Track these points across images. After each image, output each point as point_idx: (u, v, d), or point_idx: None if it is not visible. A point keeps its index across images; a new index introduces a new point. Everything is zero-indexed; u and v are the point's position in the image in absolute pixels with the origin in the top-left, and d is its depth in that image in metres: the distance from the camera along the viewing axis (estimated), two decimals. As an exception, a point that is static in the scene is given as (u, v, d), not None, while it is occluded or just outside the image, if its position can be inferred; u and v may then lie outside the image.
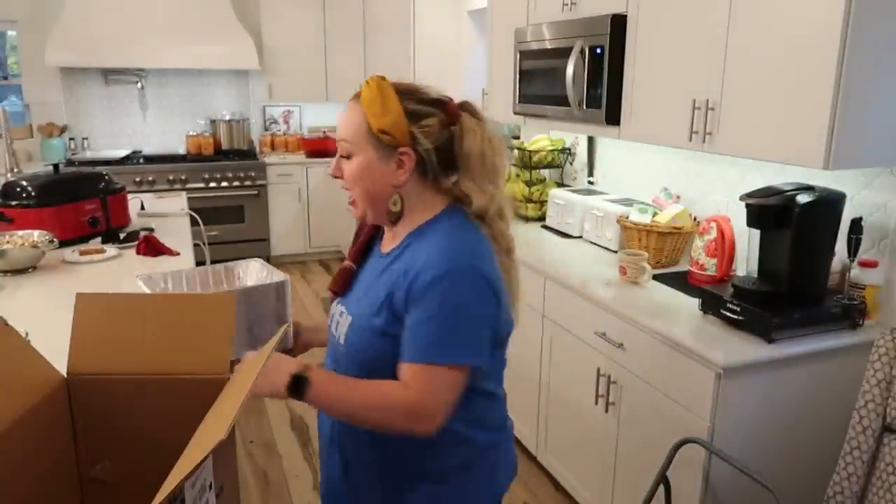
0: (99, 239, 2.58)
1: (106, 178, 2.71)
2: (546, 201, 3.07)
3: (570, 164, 3.33)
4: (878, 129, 1.66)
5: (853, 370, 1.77)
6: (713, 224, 2.11)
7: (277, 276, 1.45)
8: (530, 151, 3.20)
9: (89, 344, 1.02)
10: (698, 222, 2.36)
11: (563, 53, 2.54)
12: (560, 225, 2.91)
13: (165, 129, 5.57)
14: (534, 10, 2.90)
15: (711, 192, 2.44)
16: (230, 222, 5.24)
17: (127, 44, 4.92)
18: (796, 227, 1.72)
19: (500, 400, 1.27)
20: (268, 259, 5.41)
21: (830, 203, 1.76)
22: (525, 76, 2.88)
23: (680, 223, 2.37)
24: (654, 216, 2.41)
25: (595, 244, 2.71)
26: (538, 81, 2.78)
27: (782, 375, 1.73)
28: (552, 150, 3.24)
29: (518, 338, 2.60)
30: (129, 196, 2.91)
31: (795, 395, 1.77)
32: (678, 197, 2.52)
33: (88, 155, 5.15)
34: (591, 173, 3.18)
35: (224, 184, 5.18)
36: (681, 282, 2.19)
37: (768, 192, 1.79)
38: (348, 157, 1.15)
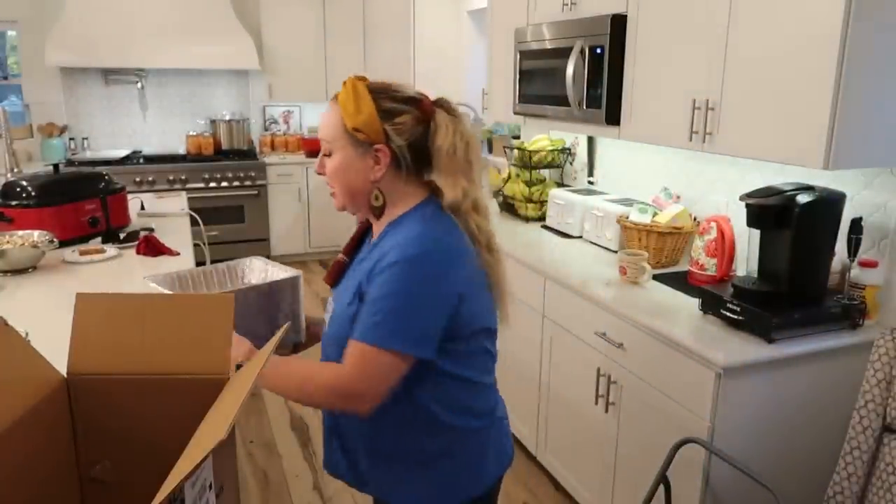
0: (99, 239, 2.58)
1: (106, 178, 2.71)
2: (546, 201, 3.07)
3: (570, 164, 3.33)
4: (878, 129, 1.66)
5: (853, 370, 1.77)
6: (713, 224, 2.11)
7: (285, 272, 1.48)
8: (530, 151, 3.20)
9: (89, 344, 1.02)
10: (698, 222, 2.36)
11: (563, 53, 2.54)
12: (560, 225, 2.91)
13: (165, 129, 5.57)
14: (534, 10, 2.90)
15: (711, 192, 2.44)
16: (230, 222, 5.24)
17: (127, 44, 4.92)
18: (796, 227, 1.72)
19: (487, 389, 1.30)
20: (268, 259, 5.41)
21: (830, 203, 1.76)
22: (525, 76, 2.88)
23: (680, 223, 2.37)
24: (654, 216, 2.41)
25: (595, 244, 2.71)
26: (538, 81, 2.78)
27: (782, 375, 1.73)
28: (552, 150, 3.24)
29: (518, 338, 2.62)
30: (129, 196, 2.91)
31: (795, 395, 1.77)
32: (678, 197, 2.52)
33: (88, 155, 5.15)
34: (591, 173, 3.18)
35: (224, 184, 5.18)
36: (681, 282, 2.19)
37: (768, 192, 1.79)
38: (329, 155, 1.22)
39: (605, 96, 2.38)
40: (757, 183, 2.13)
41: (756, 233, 1.85)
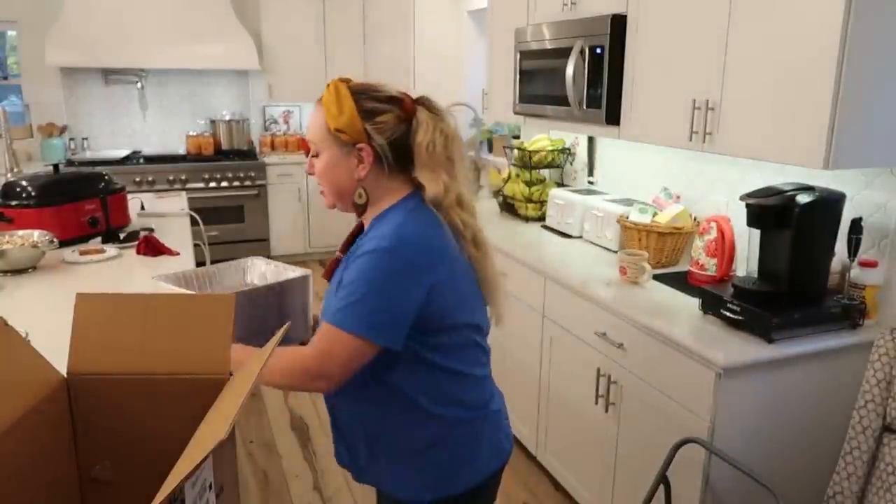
0: (99, 239, 2.58)
1: (106, 178, 2.71)
2: (546, 201, 3.07)
3: (570, 164, 3.33)
4: (878, 129, 1.66)
5: (853, 370, 1.77)
6: (713, 224, 2.11)
7: (293, 271, 1.53)
8: (530, 151, 3.20)
9: (89, 344, 1.02)
10: (698, 222, 2.36)
11: (563, 53, 2.54)
12: (560, 225, 2.91)
13: (165, 129, 5.57)
14: (534, 10, 2.90)
15: (711, 192, 2.44)
16: (230, 222, 5.24)
17: (127, 44, 4.92)
18: (796, 227, 1.72)
19: (480, 381, 1.32)
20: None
21: (830, 203, 1.76)
22: (525, 76, 2.88)
23: (680, 223, 2.37)
24: (654, 216, 2.41)
25: (595, 244, 2.71)
26: (538, 81, 2.78)
27: (782, 375, 1.73)
28: (552, 150, 3.24)
29: (518, 338, 2.62)
30: (129, 196, 2.91)
31: (795, 395, 1.77)
32: (678, 197, 2.52)
33: (88, 155, 5.15)
34: (591, 173, 3.18)
35: (224, 184, 5.18)
36: (681, 282, 2.19)
37: (768, 192, 1.79)
38: (317, 156, 1.26)
39: (604, 96, 2.38)
40: (757, 183, 2.13)
41: (756, 233, 1.85)
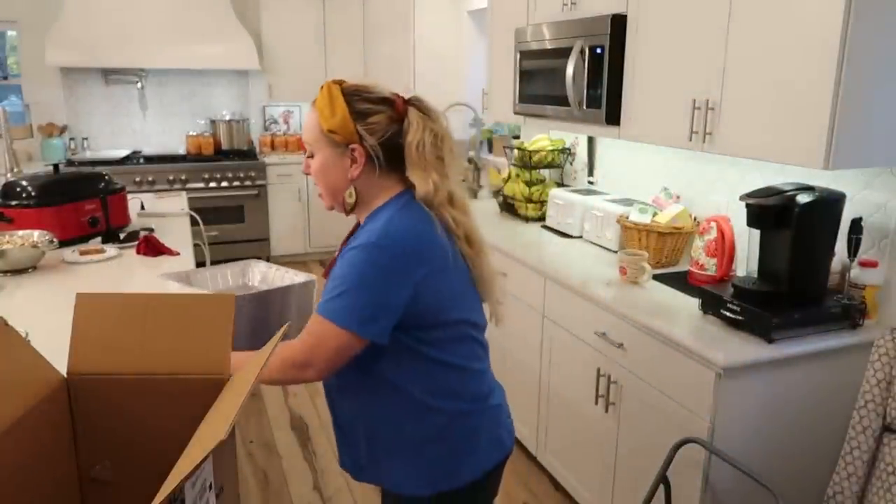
0: (99, 239, 2.58)
1: (106, 178, 2.71)
2: (546, 201, 3.07)
3: (570, 164, 3.33)
4: (878, 129, 1.66)
5: (853, 370, 1.77)
6: (713, 224, 2.11)
7: (297, 276, 1.55)
8: (530, 151, 3.20)
9: (89, 344, 1.02)
10: (698, 222, 2.36)
11: (563, 53, 2.54)
12: (560, 225, 2.91)
13: (165, 129, 5.57)
14: (534, 10, 2.90)
15: (711, 192, 2.44)
16: (230, 222, 5.24)
17: (127, 44, 4.92)
18: (796, 227, 1.72)
19: (478, 374, 1.33)
20: (268, 259, 5.42)
21: (830, 203, 1.76)
22: (525, 76, 2.88)
23: (680, 223, 2.37)
24: (654, 216, 2.41)
25: (595, 244, 2.71)
26: (538, 81, 2.78)
27: (782, 375, 1.73)
28: (552, 150, 3.24)
29: (518, 338, 2.62)
30: (129, 196, 2.91)
31: (795, 395, 1.77)
32: (678, 197, 2.52)
33: (88, 155, 5.15)
34: (591, 173, 3.18)
35: (224, 184, 5.18)
36: (681, 282, 2.19)
37: (768, 192, 1.79)
38: (312, 157, 1.29)
39: (604, 96, 2.38)
40: (757, 183, 2.13)
41: (756, 233, 1.85)
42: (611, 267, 2.38)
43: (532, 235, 2.91)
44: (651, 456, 1.93)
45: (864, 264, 1.85)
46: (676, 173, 2.61)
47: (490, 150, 4.74)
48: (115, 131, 5.44)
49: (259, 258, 1.69)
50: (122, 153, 5.18)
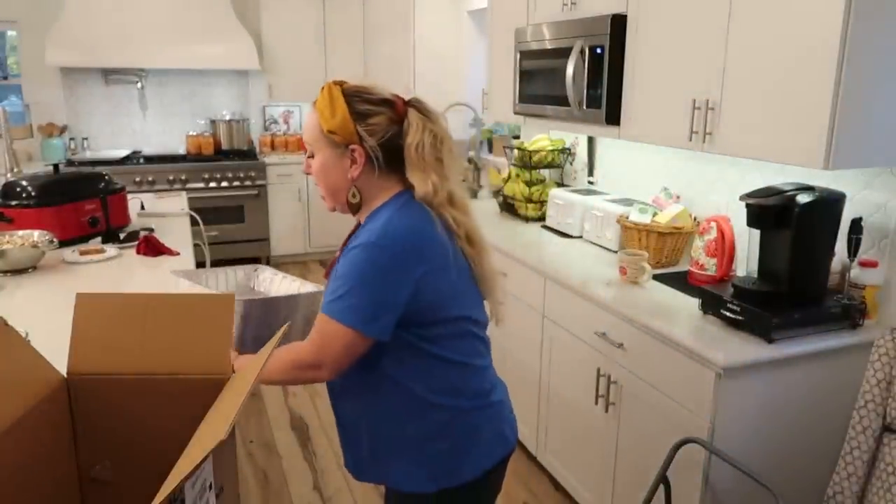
0: (99, 239, 2.58)
1: (106, 178, 2.71)
2: (546, 201, 3.07)
3: (570, 164, 3.33)
4: (878, 129, 1.66)
5: (853, 370, 1.77)
6: (713, 224, 2.11)
7: (304, 285, 1.57)
8: (530, 151, 3.20)
9: (89, 344, 1.02)
10: (698, 222, 2.36)
11: (563, 53, 2.54)
12: (560, 225, 2.91)
13: (165, 129, 5.57)
14: (534, 10, 2.90)
15: (711, 192, 2.44)
16: (230, 222, 5.24)
17: (127, 44, 4.92)
18: (796, 227, 1.72)
19: (480, 371, 1.34)
20: (268, 260, 5.42)
21: (830, 203, 1.76)
22: (525, 76, 2.88)
23: (680, 223, 2.37)
24: (654, 216, 2.41)
25: (595, 244, 2.71)
26: (538, 81, 2.78)
27: (782, 375, 1.73)
28: (552, 150, 3.24)
29: (518, 338, 2.62)
30: (129, 196, 2.91)
31: (795, 395, 1.77)
32: (678, 197, 2.52)
33: (88, 155, 5.14)
34: (591, 173, 3.18)
35: (224, 184, 5.18)
36: (681, 282, 2.19)
37: (768, 192, 1.79)
38: (312, 157, 1.30)
39: (604, 96, 2.38)
40: (757, 183, 2.13)
41: (756, 233, 1.85)
42: (611, 267, 2.38)
43: (532, 235, 2.91)
44: (651, 456, 1.93)
45: (864, 264, 1.85)
46: (676, 173, 2.61)
47: (490, 150, 4.74)
48: (115, 131, 5.44)
49: (259, 259, 1.70)
50: (122, 153, 5.17)
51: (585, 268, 2.40)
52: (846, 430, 1.66)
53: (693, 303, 1.96)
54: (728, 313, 1.80)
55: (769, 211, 1.76)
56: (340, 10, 5.54)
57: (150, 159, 5.11)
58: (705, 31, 1.97)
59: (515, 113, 3.02)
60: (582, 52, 2.44)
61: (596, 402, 2.17)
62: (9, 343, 0.93)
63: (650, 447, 1.94)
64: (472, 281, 1.30)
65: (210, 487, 0.87)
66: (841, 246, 1.84)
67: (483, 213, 3.23)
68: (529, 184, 3.18)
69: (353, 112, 1.23)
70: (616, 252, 2.54)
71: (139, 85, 5.40)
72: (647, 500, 1.76)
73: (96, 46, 4.85)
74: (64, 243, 2.41)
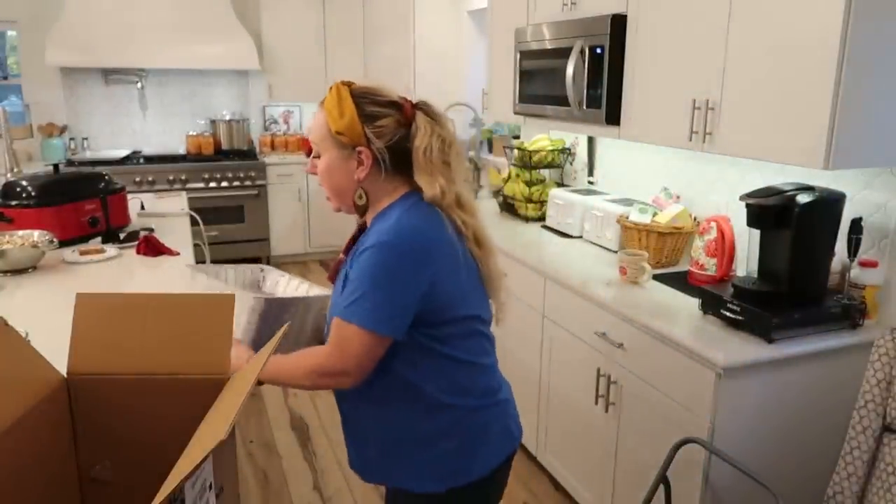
0: (99, 239, 2.58)
1: (106, 178, 2.71)
2: (546, 201, 3.07)
3: (570, 164, 3.33)
4: (878, 129, 1.66)
5: (853, 370, 1.77)
6: (713, 224, 2.11)
7: (314, 288, 1.57)
8: (530, 151, 3.20)
9: (89, 344, 1.02)
10: (698, 222, 2.36)
11: (563, 53, 2.54)
12: (560, 225, 2.91)
13: (165, 129, 5.57)
14: (534, 10, 2.90)
15: (711, 192, 2.44)
16: (230, 222, 5.24)
17: (127, 44, 4.92)
18: (796, 227, 1.72)
19: (487, 370, 1.34)
20: (268, 259, 5.42)
21: (830, 203, 1.76)
22: (525, 76, 2.88)
23: (680, 223, 2.37)
24: (654, 216, 2.41)
25: (595, 244, 2.71)
26: (538, 81, 2.78)
27: (782, 375, 1.73)
28: (552, 150, 3.24)
29: (518, 338, 2.62)
30: (129, 196, 2.91)
31: (795, 395, 1.77)
32: (678, 197, 2.52)
33: (88, 155, 5.14)
34: (591, 173, 3.18)
35: (224, 184, 5.18)
36: (681, 282, 2.19)
37: (768, 192, 1.79)
38: (318, 157, 1.29)
39: (604, 96, 2.38)
40: (757, 183, 2.13)
41: (756, 233, 1.85)
42: (611, 267, 2.38)
43: (532, 235, 2.91)
44: (651, 456, 1.93)
45: (864, 264, 1.85)
46: (676, 173, 2.61)
47: (490, 150, 4.74)
48: (115, 131, 5.44)
49: (259, 259, 1.69)
50: (122, 153, 5.17)
51: (585, 268, 2.40)
52: (846, 430, 1.66)
53: (693, 303, 1.96)
54: (728, 313, 1.80)
55: (769, 211, 1.76)
56: (340, 11, 5.54)
57: (150, 159, 5.11)
58: (705, 31, 1.97)
59: (515, 113, 3.02)
60: (582, 52, 2.44)
61: (596, 402, 2.17)
62: (9, 343, 0.93)
63: (650, 447, 1.94)
64: (479, 281, 1.31)
65: (210, 487, 0.87)
66: (841, 246, 1.84)
67: (483, 214, 3.22)
68: (529, 184, 3.18)
69: (361, 114, 1.22)
70: (616, 252, 2.54)
71: (139, 85, 5.40)
72: (647, 500, 1.76)
73: (96, 46, 4.85)
74: (64, 243, 2.41)
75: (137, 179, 4.88)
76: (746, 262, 1.97)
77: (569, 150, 3.29)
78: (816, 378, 1.77)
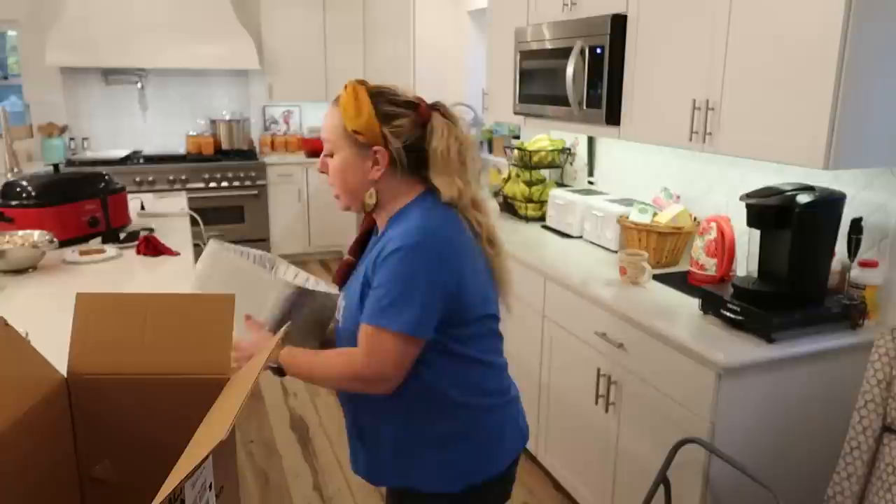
0: (99, 239, 2.58)
1: (106, 178, 2.71)
2: (546, 201, 3.07)
3: (570, 164, 3.33)
4: (878, 129, 1.66)
5: (853, 370, 1.77)
6: (713, 224, 2.11)
7: (323, 285, 1.55)
8: (530, 151, 3.20)
9: (89, 344, 1.02)
10: (698, 222, 2.36)
11: (563, 53, 2.54)
12: (560, 225, 2.91)
13: (165, 129, 5.57)
14: (534, 10, 2.90)
15: (711, 192, 2.44)
16: (230, 222, 5.24)
17: (127, 44, 4.92)
18: (796, 227, 1.72)
19: (497, 368, 1.35)
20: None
21: (830, 203, 1.76)
22: (525, 76, 2.88)
23: (680, 223, 2.37)
24: (654, 216, 2.41)
25: (595, 244, 2.71)
26: (538, 81, 2.78)
27: (782, 375, 1.73)
28: (552, 150, 3.24)
29: (518, 338, 2.62)
30: (129, 196, 2.91)
31: (795, 395, 1.77)
32: (678, 197, 2.52)
33: (88, 155, 5.15)
34: (591, 173, 3.18)
35: (224, 184, 5.18)
36: (681, 282, 2.19)
37: (768, 192, 1.79)
38: (331, 156, 1.27)
39: (605, 96, 2.37)
40: (757, 183, 2.13)
41: (756, 233, 1.85)
42: (611, 267, 2.38)
43: (532, 235, 2.91)
44: (651, 456, 1.93)
45: (864, 264, 1.85)
46: (676, 173, 2.61)
47: (490, 150, 4.74)
48: (115, 131, 5.44)
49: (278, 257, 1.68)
50: (122, 153, 5.18)
51: (585, 268, 2.40)
52: (846, 430, 1.66)
53: (693, 303, 1.96)
54: (728, 313, 1.80)
55: (769, 211, 1.76)
56: (340, 10, 5.54)
57: (150, 159, 5.12)
58: (705, 31, 1.97)
59: (515, 113, 3.02)
60: (582, 52, 2.44)
61: (596, 402, 2.17)
62: (9, 343, 0.93)
63: (650, 447, 1.94)
64: (491, 280, 1.32)
65: (210, 487, 0.87)
66: (841, 246, 1.84)
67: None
68: (529, 184, 3.18)
69: (378, 112, 1.22)
70: (616, 252, 2.54)
71: (139, 85, 5.40)
72: (647, 500, 1.76)
73: (96, 46, 4.85)
74: (64, 243, 2.41)
75: (137, 179, 4.88)
76: (746, 263, 1.97)
77: (569, 150, 3.29)
78: (816, 378, 1.77)
